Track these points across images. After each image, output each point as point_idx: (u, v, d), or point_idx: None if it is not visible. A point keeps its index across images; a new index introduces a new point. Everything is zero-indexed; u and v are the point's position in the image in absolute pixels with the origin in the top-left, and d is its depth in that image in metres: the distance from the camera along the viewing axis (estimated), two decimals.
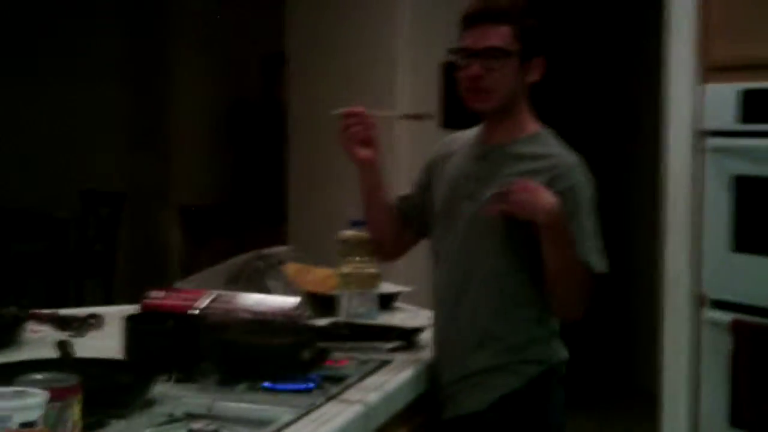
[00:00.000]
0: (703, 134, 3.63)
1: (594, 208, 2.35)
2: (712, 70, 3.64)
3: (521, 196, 2.22)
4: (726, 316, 3.49)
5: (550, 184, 2.28)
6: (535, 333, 2.37)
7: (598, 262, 2.32)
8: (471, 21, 2.37)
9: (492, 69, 2.33)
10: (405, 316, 2.94)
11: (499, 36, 2.33)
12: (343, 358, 2.31)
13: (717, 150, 3.55)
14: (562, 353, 2.43)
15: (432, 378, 2.43)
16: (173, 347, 2.16)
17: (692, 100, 3.67)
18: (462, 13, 2.40)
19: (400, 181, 4.74)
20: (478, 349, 2.36)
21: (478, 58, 2.34)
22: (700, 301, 3.66)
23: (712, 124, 3.60)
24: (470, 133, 2.53)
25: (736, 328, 3.43)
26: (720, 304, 3.57)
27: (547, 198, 2.22)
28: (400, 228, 2.60)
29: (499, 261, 2.34)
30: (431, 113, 2.58)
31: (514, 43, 2.33)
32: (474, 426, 2.38)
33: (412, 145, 4.94)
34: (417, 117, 2.62)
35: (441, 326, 2.47)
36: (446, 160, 2.53)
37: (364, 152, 2.46)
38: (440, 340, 2.47)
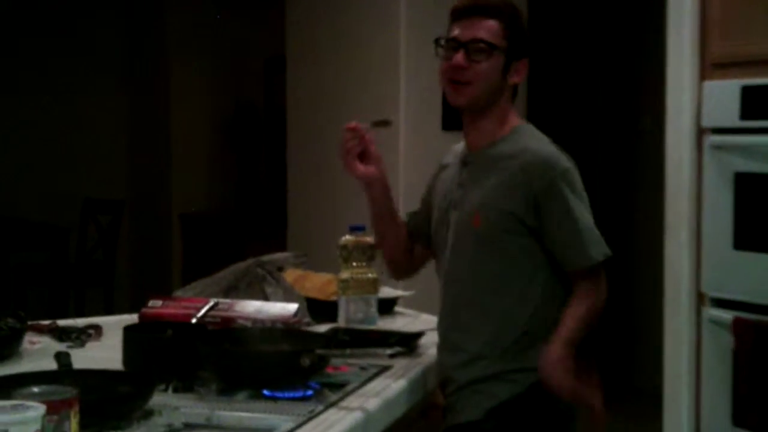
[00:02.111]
0: (703, 131, 3.62)
1: (581, 193, 2.31)
2: (712, 66, 3.62)
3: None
4: (727, 315, 3.47)
5: (528, 184, 2.26)
6: (527, 339, 2.32)
7: (599, 254, 2.29)
8: (460, 14, 2.35)
9: (476, 61, 2.31)
10: (405, 321, 2.94)
11: (487, 29, 2.31)
12: (342, 365, 2.30)
13: (717, 147, 3.54)
14: None
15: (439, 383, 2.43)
16: (172, 356, 2.15)
17: (692, 97, 3.65)
18: (452, 6, 2.38)
19: (400, 185, 4.79)
20: (473, 358, 2.33)
21: (463, 49, 2.31)
22: (700, 300, 3.65)
23: (712, 121, 3.58)
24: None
25: (737, 326, 3.42)
26: (721, 302, 3.55)
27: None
28: (411, 244, 2.59)
29: (486, 269, 2.32)
30: (389, 119, 2.52)
31: (501, 39, 2.31)
32: None
33: (414, 150, 4.91)
34: (383, 123, 2.52)
35: (442, 334, 2.45)
36: (443, 170, 2.52)
37: (363, 168, 2.42)
38: (441, 347, 2.45)
